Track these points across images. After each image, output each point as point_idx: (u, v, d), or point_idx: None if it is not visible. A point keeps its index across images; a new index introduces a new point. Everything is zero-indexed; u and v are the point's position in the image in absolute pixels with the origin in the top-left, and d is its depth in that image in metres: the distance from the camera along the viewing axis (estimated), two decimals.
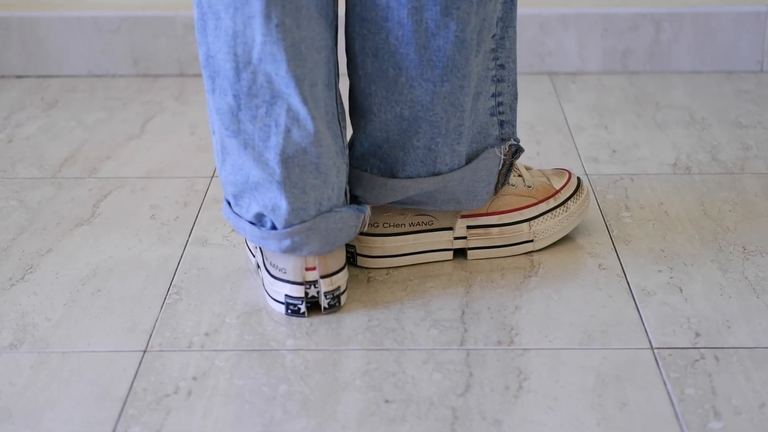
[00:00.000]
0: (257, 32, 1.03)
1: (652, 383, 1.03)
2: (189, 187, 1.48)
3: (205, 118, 1.76)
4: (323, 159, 1.10)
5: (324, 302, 1.14)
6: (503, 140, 1.23)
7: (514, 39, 1.19)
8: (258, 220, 1.13)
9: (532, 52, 1.93)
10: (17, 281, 1.23)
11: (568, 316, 1.14)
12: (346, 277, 1.16)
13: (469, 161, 1.20)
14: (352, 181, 1.20)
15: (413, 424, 0.97)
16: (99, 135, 1.69)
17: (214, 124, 1.12)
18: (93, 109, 1.81)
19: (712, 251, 1.28)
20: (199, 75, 1.96)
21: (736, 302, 1.17)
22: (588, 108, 1.77)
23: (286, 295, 1.14)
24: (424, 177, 1.18)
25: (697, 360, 1.06)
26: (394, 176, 1.19)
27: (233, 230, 1.34)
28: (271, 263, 1.15)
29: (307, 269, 1.13)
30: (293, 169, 1.09)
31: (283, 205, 1.10)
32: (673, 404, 1.00)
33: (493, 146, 1.22)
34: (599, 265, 1.24)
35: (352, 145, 1.20)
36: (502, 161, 1.23)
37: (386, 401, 1.01)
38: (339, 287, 1.15)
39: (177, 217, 1.39)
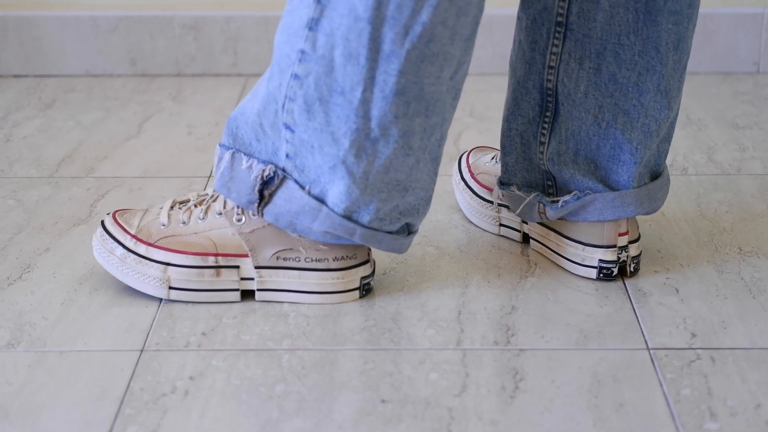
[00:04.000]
0: (457, 52, 1.05)
1: (648, 384, 1.03)
2: (186, 187, 1.48)
3: (203, 118, 1.76)
4: None
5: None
6: None
7: None
8: (401, 229, 1.15)
9: None
10: (15, 280, 1.23)
11: (565, 317, 1.14)
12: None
13: None
14: (625, 205, 1.20)
15: (409, 424, 0.98)
16: (96, 135, 1.69)
17: (378, 147, 1.07)
18: (90, 108, 1.81)
19: (709, 252, 1.28)
20: (197, 75, 1.97)
21: (732, 303, 1.17)
22: None
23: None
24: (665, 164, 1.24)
25: (693, 361, 1.06)
26: (657, 175, 1.22)
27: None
28: (330, 254, 1.17)
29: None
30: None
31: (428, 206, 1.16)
32: (669, 405, 1.00)
33: None
34: None
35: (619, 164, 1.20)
36: None
37: (383, 401, 1.01)
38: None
39: None
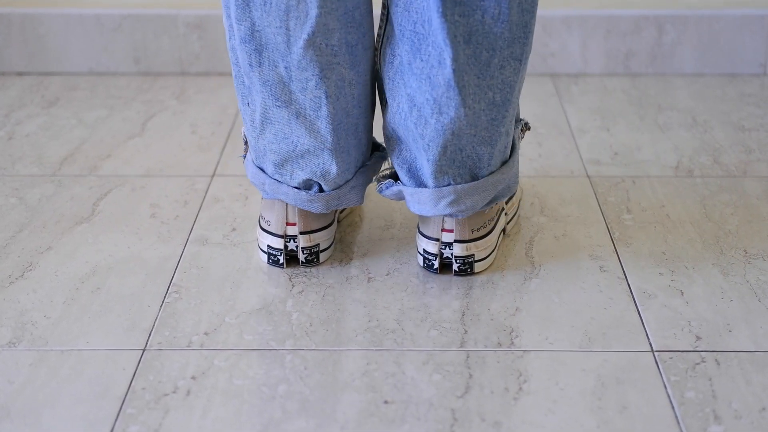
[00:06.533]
0: (312, 6, 1.06)
1: (652, 386, 1.03)
2: (189, 186, 1.48)
3: (206, 117, 1.75)
4: (362, 120, 1.18)
5: (301, 257, 1.23)
6: (516, 120, 1.25)
7: None
8: (304, 186, 1.18)
9: (535, 54, 1.93)
10: (17, 279, 1.23)
11: (569, 318, 1.14)
12: (329, 236, 1.23)
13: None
14: (422, 202, 1.18)
15: (412, 425, 0.97)
16: (99, 133, 1.69)
17: (253, 95, 1.14)
18: (94, 107, 1.81)
19: (714, 254, 1.27)
20: (201, 74, 1.96)
21: (737, 305, 1.16)
22: (590, 110, 1.77)
23: (268, 246, 1.23)
24: (500, 168, 1.19)
25: (697, 363, 1.06)
26: (476, 178, 1.17)
27: (234, 229, 1.34)
28: (261, 216, 1.24)
29: (288, 224, 1.21)
30: (341, 134, 1.15)
31: (333, 170, 1.16)
32: (673, 408, 0.99)
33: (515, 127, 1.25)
34: (600, 268, 1.24)
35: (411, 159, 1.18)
36: (520, 138, 1.28)
37: (385, 402, 1.01)
38: (318, 245, 1.23)
39: (177, 216, 1.39)
